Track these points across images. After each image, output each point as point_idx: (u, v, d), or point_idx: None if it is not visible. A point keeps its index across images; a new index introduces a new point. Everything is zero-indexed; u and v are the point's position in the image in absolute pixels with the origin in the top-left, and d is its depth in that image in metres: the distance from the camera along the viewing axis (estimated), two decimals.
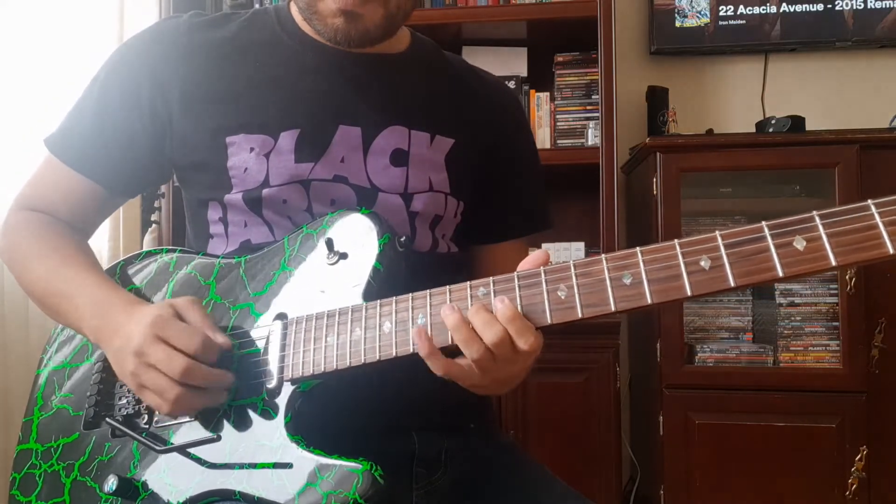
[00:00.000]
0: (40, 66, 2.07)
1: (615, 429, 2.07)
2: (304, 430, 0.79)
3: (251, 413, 0.81)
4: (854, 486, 1.95)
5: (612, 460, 2.07)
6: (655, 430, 2.09)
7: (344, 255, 0.82)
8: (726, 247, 0.60)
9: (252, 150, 0.92)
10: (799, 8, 2.49)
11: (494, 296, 0.70)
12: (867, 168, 2.01)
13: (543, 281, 0.67)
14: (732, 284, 0.59)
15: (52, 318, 0.99)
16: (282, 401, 0.79)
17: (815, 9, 2.48)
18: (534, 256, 0.72)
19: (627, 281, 0.63)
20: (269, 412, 0.80)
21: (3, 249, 1.03)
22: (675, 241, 0.63)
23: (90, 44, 2.15)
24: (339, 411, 0.84)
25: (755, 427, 2.01)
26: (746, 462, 2.01)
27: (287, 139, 0.92)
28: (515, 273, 0.70)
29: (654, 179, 2.10)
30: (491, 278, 0.71)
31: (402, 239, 0.82)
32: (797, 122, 2.15)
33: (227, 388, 0.81)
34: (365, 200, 0.93)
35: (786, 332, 2.11)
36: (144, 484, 0.84)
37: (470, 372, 0.73)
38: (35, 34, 2.07)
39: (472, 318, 0.70)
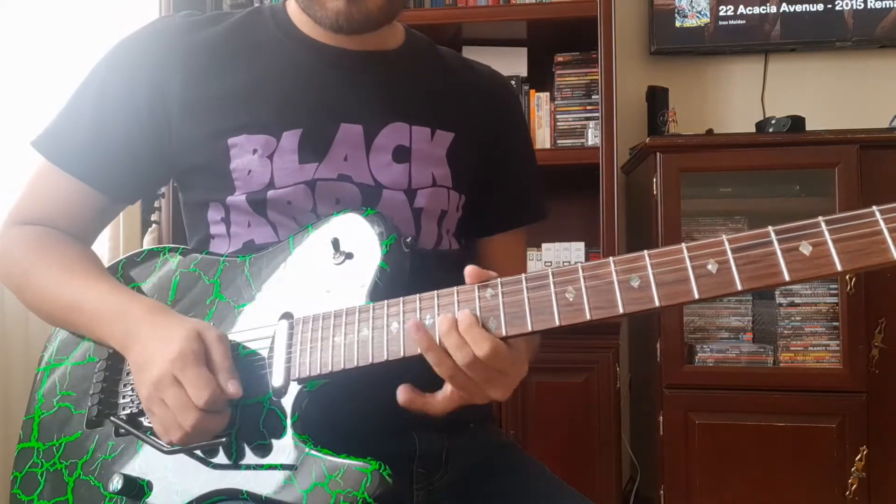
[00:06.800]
0: (37, 69, 2.04)
1: (615, 429, 2.08)
2: (311, 430, 0.79)
3: (257, 412, 0.81)
4: (854, 486, 1.95)
5: (612, 460, 2.07)
6: (655, 430, 2.09)
7: (350, 255, 0.82)
8: (733, 251, 0.60)
9: (255, 151, 0.91)
10: (799, 8, 2.49)
11: (503, 297, 0.70)
12: (867, 168, 2.01)
13: (551, 283, 0.68)
14: (739, 288, 0.59)
15: (64, 329, 0.97)
16: (288, 400, 0.80)
17: (815, 9, 2.49)
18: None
19: (635, 284, 0.64)
20: (275, 411, 0.80)
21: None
22: (683, 244, 0.63)
23: (89, 46, 2.13)
24: (342, 411, 0.84)
25: (755, 427, 2.01)
26: (746, 462, 2.01)
27: (290, 139, 0.91)
28: (523, 275, 0.70)
29: (654, 179, 2.10)
30: (499, 279, 0.71)
31: (407, 239, 0.83)
32: (797, 122, 2.16)
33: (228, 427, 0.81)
34: (369, 198, 0.93)
35: (786, 332, 2.11)
36: (150, 483, 0.83)
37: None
38: (33, 36, 2.05)
39: (444, 340, 0.72)
